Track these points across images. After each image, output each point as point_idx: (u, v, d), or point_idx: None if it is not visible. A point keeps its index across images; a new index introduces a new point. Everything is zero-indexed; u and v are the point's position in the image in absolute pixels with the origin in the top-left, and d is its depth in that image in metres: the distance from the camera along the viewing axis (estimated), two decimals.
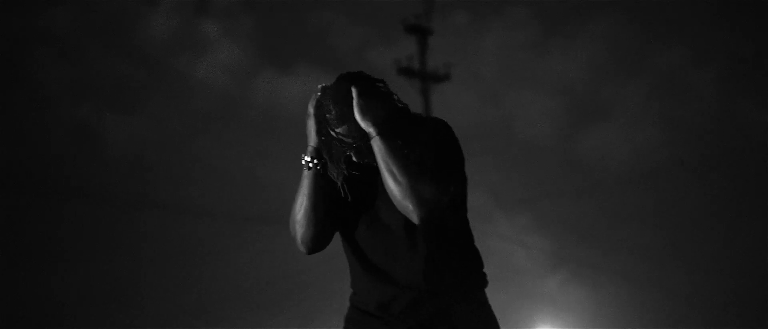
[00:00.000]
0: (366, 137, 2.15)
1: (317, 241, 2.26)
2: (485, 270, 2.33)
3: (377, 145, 2.13)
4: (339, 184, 2.22)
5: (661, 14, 26.69)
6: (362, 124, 2.13)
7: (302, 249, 2.26)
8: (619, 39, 26.54)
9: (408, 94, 18.25)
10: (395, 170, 2.11)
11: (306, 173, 2.20)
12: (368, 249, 2.26)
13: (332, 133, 2.17)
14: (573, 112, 25.90)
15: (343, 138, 2.17)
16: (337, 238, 2.34)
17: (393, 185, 2.11)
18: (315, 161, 2.20)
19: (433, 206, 2.11)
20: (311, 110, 2.19)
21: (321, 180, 2.21)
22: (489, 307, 2.31)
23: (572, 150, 25.34)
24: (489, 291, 2.34)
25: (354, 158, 2.22)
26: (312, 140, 2.21)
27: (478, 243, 2.34)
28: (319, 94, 2.19)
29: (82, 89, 24.71)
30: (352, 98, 2.14)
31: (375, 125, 2.13)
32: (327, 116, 2.17)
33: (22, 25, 24.49)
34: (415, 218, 2.11)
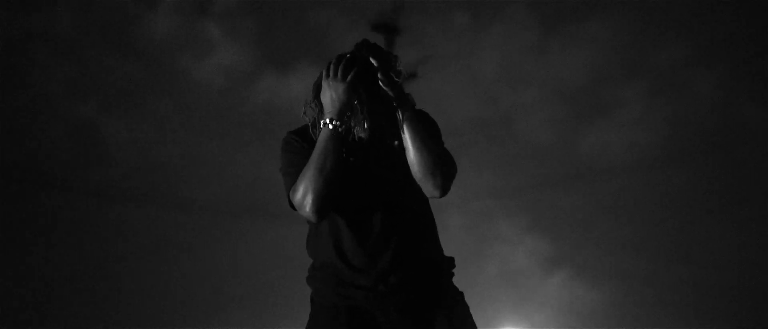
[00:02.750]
0: (387, 111, 2.24)
1: (330, 204, 2.22)
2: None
3: (413, 119, 2.22)
4: (359, 135, 2.25)
5: (661, 14, 26.68)
6: (396, 101, 2.22)
7: (313, 211, 2.19)
8: (619, 39, 26.53)
9: None
10: (428, 144, 2.21)
11: (332, 134, 2.20)
12: (366, 221, 2.28)
13: (361, 102, 2.23)
14: (573, 112, 25.89)
15: (371, 108, 2.25)
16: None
17: (426, 157, 2.20)
18: (342, 124, 2.22)
19: (452, 179, 2.24)
20: (346, 77, 2.22)
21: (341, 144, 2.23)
22: None
23: (572, 150, 25.33)
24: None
25: (361, 132, 2.27)
26: (339, 104, 2.22)
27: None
28: (350, 63, 2.23)
29: (82, 89, 24.68)
30: (373, 70, 2.23)
31: (407, 100, 2.24)
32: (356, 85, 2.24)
33: (22, 25, 24.46)
34: (438, 190, 2.21)
